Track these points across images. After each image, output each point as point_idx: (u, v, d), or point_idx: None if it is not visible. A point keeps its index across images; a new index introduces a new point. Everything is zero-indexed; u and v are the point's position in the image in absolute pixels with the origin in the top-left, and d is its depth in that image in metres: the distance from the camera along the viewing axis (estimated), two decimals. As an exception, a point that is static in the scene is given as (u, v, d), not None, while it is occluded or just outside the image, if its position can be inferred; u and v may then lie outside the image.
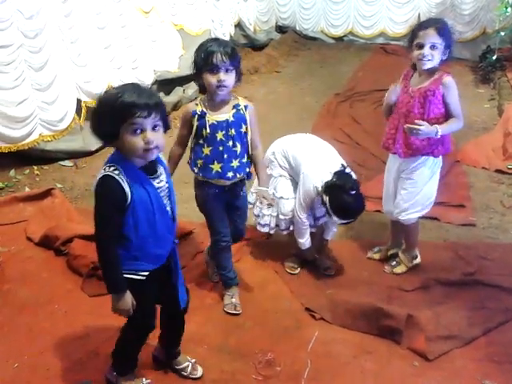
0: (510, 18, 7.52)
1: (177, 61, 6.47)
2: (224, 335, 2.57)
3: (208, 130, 2.39)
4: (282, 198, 2.93)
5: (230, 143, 2.43)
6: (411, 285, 2.93)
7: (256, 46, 8.90)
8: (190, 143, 2.53)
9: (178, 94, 6.17)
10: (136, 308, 1.91)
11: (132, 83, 1.78)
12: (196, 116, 2.40)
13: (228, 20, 7.91)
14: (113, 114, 1.68)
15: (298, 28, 9.95)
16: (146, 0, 5.78)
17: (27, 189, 4.11)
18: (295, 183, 2.94)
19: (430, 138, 2.65)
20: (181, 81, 6.32)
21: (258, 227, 3.03)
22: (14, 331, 2.57)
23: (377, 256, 3.21)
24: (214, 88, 2.33)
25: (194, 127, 2.41)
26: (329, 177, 2.70)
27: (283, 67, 8.25)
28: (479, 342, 2.52)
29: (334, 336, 2.57)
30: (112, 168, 1.74)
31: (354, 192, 2.63)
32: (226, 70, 2.31)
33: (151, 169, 1.86)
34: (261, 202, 2.66)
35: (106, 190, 1.75)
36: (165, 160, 1.99)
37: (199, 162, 2.47)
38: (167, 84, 6.19)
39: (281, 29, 10.04)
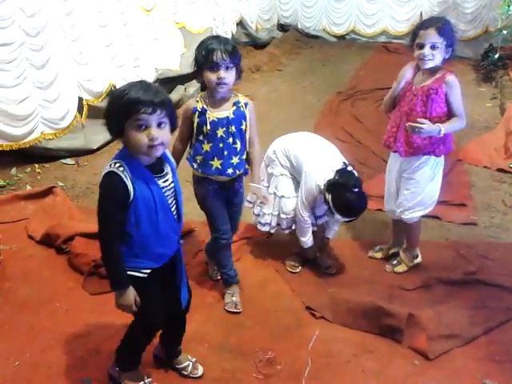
0: (512, 17, 7.52)
1: (178, 59, 6.46)
2: (225, 334, 2.57)
3: (209, 127, 2.39)
4: (283, 196, 2.92)
5: (231, 140, 2.44)
6: (412, 284, 2.93)
7: (258, 45, 8.88)
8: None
9: (179, 92, 6.16)
10: (140, 305, 1.91)
11: (140, 81, 1.79)
12: (197, 113, 2.40)
13: (230, 18, 7.89)
14: (119, 110, 1.70)
15: (299, 26, 9.94)
16: (147, -2, 5.78)
17: (28, 187, 4.11)
18: (296, 182, 2.94)
19: (432, 137, 2.64)
20: (182, 79, 6.31)
21: (259, 226, 3.02)
22: (15, 329, 2.58)
23: (378, 255, 3.21)
24: (214, 85, 2.33)
25: (195, 124, 2.41)
26: (331, 175, 2.70)
27: (285, 65, 8.23)
28: (480, 341, 2.52)
29: (335, 335, 2.57)
30: (117, 164, 1.75)
31: (356, 190, 2.62)
32: (226, 68, 2.31)
33: (158, 167, 1.86)
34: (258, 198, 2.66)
35: (109, 186, 1.76)
36: (173, 159, 1.98)
37: (199, 158, 2.47)
38: (169, 82, 6.17)
39: (283, 27, 10.03)
